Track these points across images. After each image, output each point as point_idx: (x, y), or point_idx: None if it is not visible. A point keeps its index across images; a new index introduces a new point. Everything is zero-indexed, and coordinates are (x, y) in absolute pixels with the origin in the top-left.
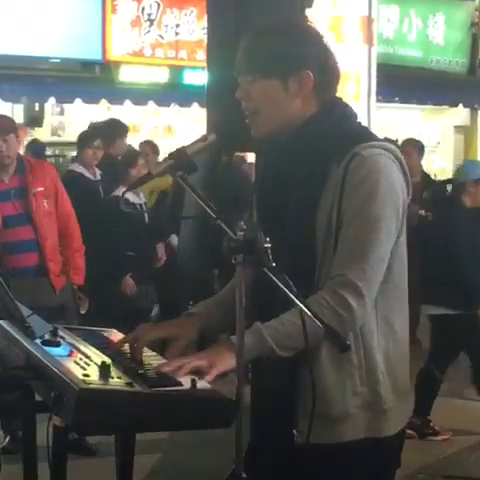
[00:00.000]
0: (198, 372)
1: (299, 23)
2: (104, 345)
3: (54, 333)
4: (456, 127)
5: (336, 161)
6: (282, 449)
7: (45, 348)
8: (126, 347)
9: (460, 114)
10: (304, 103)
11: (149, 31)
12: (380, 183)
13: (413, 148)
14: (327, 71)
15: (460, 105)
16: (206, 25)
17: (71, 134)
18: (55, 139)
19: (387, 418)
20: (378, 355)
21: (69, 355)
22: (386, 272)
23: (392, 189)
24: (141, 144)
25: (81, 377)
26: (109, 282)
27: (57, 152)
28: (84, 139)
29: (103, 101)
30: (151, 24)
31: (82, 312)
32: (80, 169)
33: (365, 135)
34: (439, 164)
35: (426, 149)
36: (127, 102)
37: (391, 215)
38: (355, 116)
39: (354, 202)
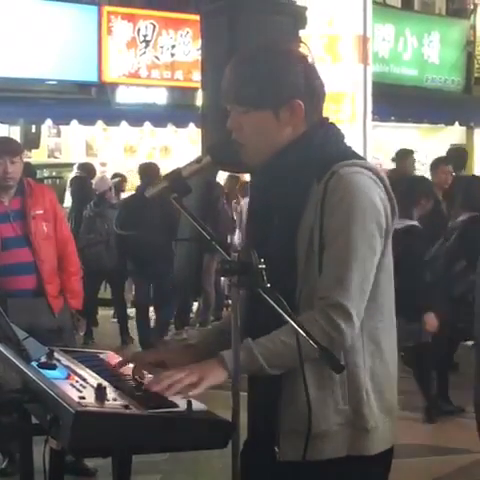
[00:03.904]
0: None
1: (284, 48)
2: (100, 367)
3: (50, 356)
4: (453, 145)
5: (317, 179)
6: (268, 465)
7: (41, 371)
8: (123, 369)
9: (456, 132)
10: (295, 129)
11: (145, 52)
12: (358, 201)
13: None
14: (315, 95)
15: (456, 123)
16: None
17: (68, 155)
18: (52, 161)
19: (371, 437)
20: (363, 373)
21: (65, 378)
22: (373, 290)
23: (372, 205)
24: None
25: (77, 400)
26: None
27: (54, 174)
28: None
29: (99, 122)
30: (147, 45)
31: (81, 334)
32: None
33: (346, 154)
34: None
35: (423, 167)
36: (123, 123)
37: (373, 231)
38: (341, 137)
39: (333, 222)
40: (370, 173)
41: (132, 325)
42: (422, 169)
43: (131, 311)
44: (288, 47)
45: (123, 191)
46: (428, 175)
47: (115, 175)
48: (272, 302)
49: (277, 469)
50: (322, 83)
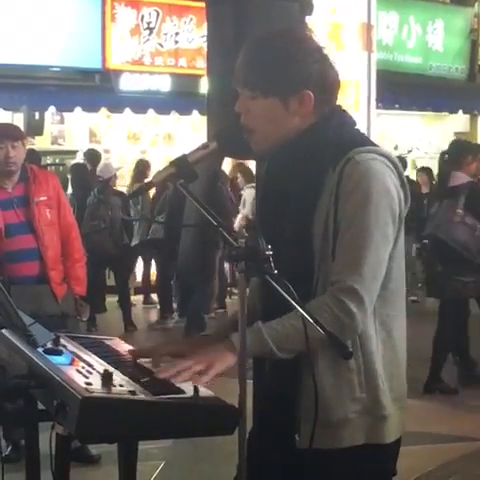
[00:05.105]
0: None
1: (300, 37)
2: (107, 353)
3: (56, 341)
4: (456, 133)
5: (332, 167)
6: (282, 453)
7: (47, 356)
8: (129, 356)
9: (460, 120)
10: (303, 119)
11: (148, 39)
12: (373, 188)
13: None
14: (327, 88)
15: (460, 111)
16: (206, 33)
17: (71, 142)
18: (55, 148)
19: (387, 424)
20: (377, 361)
21: (71, 363)
22: (385, 277)
23: (386, 193)
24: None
25: (84, 385)
26: None
27: (57, 161)
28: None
29: (103, 109)
30: (150, 32)
31: (84, 319)
32: None
33: (361, 140)
34: None
35: (426, 156)
36: (127, 110)
37: (386, 219)
38: (353, 123)
39: (348, 209)
40: (385, 159)
41: (135, 312)
42: (426, 157)
43: (134, 298)
44: (303, 35)
45: (146, 177)
46: (431, 164)
47: (140, 161)
48: (279, 288)
49: (293, 457)
50: (336, 73)
